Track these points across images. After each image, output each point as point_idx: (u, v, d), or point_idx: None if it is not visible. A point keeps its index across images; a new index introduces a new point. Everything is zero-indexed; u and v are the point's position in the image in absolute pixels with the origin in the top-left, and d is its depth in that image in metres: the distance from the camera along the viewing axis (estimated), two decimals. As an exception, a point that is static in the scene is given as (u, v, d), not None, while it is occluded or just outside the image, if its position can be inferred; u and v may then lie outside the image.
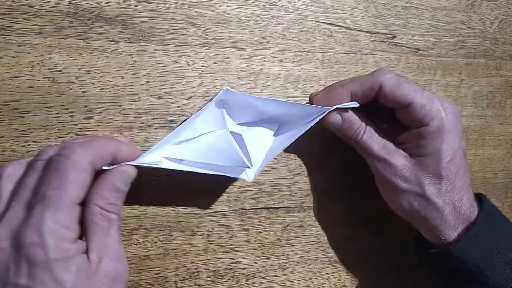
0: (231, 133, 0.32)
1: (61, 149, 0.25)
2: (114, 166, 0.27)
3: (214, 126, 0.32)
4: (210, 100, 0.32)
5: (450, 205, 0.32)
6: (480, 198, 0.34)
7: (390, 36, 0.39)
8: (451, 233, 0.32)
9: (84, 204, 0.26)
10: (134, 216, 0.32)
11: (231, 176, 0.31)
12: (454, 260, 0.31)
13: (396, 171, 0.32)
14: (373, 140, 0.33)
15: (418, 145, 0.32)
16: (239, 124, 0.34)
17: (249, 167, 0.31)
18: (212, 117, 0.32)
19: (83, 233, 0.25)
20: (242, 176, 0.32)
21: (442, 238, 0.32)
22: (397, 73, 0.32)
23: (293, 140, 0.32)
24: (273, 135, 0.34)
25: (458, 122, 0.32)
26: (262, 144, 0.34)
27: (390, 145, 0.33)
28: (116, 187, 0.27)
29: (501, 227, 0.32)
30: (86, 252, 0.25)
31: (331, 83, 0.37)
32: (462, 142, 0.33)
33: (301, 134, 0.32)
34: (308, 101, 0.35)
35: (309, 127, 0.33)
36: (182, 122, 0.32)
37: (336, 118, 0.33)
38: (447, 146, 0.31)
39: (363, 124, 0.33)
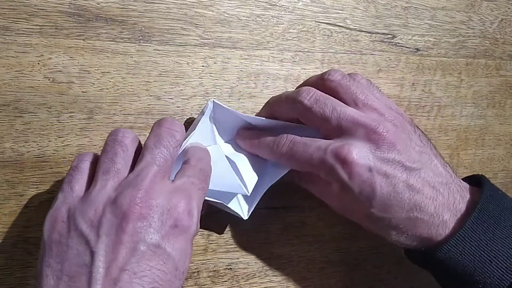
0: (226, 157, 0.32)
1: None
2: None
3: (206, 143, 0.31)
4: (201, 114, 0.31)
5: (402, 234, 0.29)
6: (480, 181, 0.30)
7: (390, 36, 0.39)
8: (439, 232, 0.28)
9: None
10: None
11: (229, 208, 0.31)
12: (439, 263, 0.28)
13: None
14: None
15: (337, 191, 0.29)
16: (227, 142, 0.33)
17: (246, 194, 0.31)
18: (204, 134, 0.31)
19: None
20: (237, 211, 0.32)
21: (429, 237, 0.29)
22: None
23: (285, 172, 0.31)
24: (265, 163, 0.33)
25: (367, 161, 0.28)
26: (256, 173, 0.32)
27: None
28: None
29: (499, 218, 0.28)
30: None
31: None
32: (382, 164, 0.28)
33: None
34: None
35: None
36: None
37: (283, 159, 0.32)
38: (358, 194, 0.28)
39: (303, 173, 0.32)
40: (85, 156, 0.27)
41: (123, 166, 0.25)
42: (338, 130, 0.28)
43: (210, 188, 0.29)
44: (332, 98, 0.29)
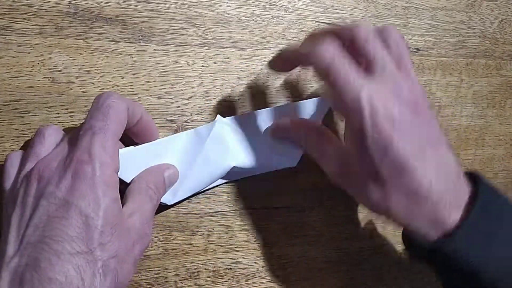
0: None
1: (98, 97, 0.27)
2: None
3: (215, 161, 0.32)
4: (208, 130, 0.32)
5: (404, 209, 0.27)
6: (475, 178, 0.29)
7: (390, 36, 0.39)
8: (444, 216, 0.27)
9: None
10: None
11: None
12: (444, 258, 0.27)
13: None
14: None
15: (351, 147, 0.28)
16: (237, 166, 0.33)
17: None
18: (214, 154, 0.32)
19: (124, 199, 0.27)
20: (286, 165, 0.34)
21: (434, 220, 0.27)
22: None
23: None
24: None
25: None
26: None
27: None
28: (162, 179, 0.29)
29: (501, 214, 0.28)
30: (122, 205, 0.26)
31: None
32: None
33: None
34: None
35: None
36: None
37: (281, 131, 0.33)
38: (373, 147, 0.26)
39: (305, 134, 0.32)
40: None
41: (40, 150, 0.27)
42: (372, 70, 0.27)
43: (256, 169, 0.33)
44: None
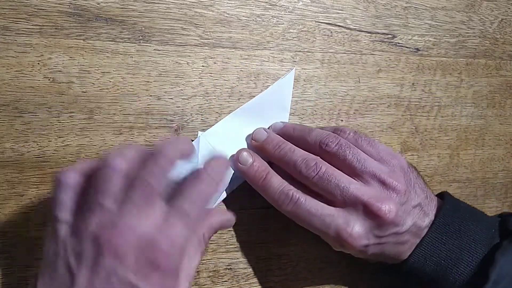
0: None
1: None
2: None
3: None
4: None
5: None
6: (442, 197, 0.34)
7: (390, 36, 0.39)
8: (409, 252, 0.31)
9: None
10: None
11: None
12: (407, 276, 0.32)
13: None
14: None
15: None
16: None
17: None
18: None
19: None
20: None
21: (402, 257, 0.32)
22: None
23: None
24: None
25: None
26: None
27: None
28: (218, 229, 0.30)
29: (460, 229, 0.31)
30: None
31: (331, 83, 0.37)
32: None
33: None
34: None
35: None
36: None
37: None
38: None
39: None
40: (67, 179, 0.25)
41: (109, 203, 0.24)
42: (342, 203, 0.30)
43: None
44: (335, 172, 0.31)
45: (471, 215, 0.32)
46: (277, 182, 0.31)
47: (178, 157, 0.26)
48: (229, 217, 0.31)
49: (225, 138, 0.34)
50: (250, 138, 0.34)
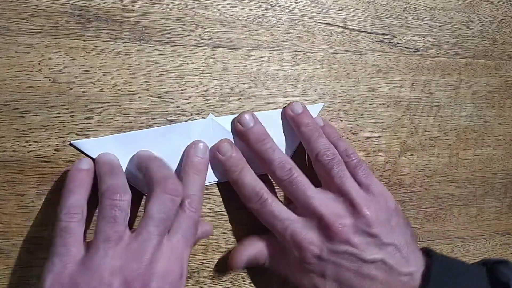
0: None
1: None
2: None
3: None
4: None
5: None
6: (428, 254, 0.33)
7: (389, 36, 0.39)
8: None
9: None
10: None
11: None
12: None
13: None
14: None
15: None
16: None
17: None
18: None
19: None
20: None
21: None
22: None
23: None
24: None
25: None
26: None
27: None
28: (195, 240, 0.32)
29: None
30: None
31: (330, 83, 0.37)
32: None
33: None
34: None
35: None
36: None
37: (244, 265, 0.34)
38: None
39: (268, 255, 0.34)
40: (72, 210, 0.26)
41: (123, 230, 0.26)
42: (302, 211, 0.32)
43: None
44: (306, 181, 0.32)
45: (463, 273, 0.32)
46: (250, 178, 0.32)
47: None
48: (206, 228, 0.33)
49: (227, 132, 0.34)
50: (236, 121, 0.34)
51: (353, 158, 0.33)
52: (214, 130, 0.33)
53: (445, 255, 0.33)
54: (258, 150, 0.33)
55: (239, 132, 0.33)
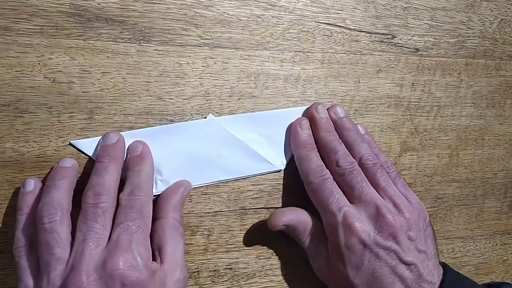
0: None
1: (130, 193, 0.29)
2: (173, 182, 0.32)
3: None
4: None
5: None
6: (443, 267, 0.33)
7: (389, 36, 0.39)
8: None
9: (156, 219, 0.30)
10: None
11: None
12: None
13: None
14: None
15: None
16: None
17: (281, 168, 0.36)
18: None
19: (156, 246, 0.29)
20: (271, 169, 0.35)
21: None
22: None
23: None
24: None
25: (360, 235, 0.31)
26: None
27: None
28: (183, 202, 0.32)
29: None
30: (161, 262, 0.28)
31: (331, 83, 0.37)
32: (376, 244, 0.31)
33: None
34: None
35: None
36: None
37: (281, 227, 0.33)
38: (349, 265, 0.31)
39: (306, 232, 0.34)
40: (50, 209, 0.27)
41: (61, 253, 0.26)
42: (358, 199, 0.32)
43: (239, 173, 0.34)
44: (363, 175, 0.33)
45: None
46: (318, 157, 0.34)
47: None
48: (183, 187, 0.32)
49: (227, 133, 0.34)
50: (313, 108, 0.35)
51: (393, 170, 0.35)
52: (214, 130, 0.33)
53: (457, 272, 0.34)
54: (326, 139, 0.34)
55: (313, 117, 0.35)
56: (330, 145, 0.34)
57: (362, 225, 0.31)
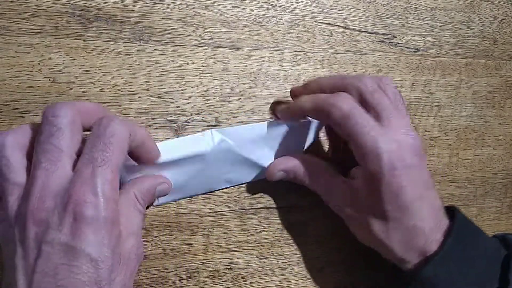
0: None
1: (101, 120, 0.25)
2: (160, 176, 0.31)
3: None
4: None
5: (401, 242, 0.30)
6: (452, 211, 0.32)
7: (389, 36, 0.39)
8: (432, 247, 0.30)
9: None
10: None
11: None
12: (426, 280, 0.29)
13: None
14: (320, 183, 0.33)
15: (361, 185, 0.31)
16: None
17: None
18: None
19: None
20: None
21: (422, 251, 0.30)
22: (356, 102, 0.30)
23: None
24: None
25: (403, 160, 0.29)
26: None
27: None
28: (154, 192, 0.30)
29: (473, 247, 0.30)
30: None
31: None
32: (411, 167, 0.29)
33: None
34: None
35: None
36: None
37: (280, 174, 0.33)
38: (386, 189, 0.29)
39: (307, 171, 0.33)
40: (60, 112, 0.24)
41: (16, 178, 0.24)
42: (386, 119, 0.30)
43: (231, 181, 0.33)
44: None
45: (481, 233, 0.32)
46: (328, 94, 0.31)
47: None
48: (161, 180, 0.30)
49: (233, 145, 0.33)
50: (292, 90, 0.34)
51: (390, 88, 0.32)
52: (219, 146, 0.32)
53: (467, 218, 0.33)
54: (327, 81, 0.32)
55: (300, 89, 0.33)
56: (336, 79, 0.32)
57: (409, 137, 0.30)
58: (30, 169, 0.24)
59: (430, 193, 0.31)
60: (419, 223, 0.29)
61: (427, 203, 0.30)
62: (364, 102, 0.30)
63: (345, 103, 0.29)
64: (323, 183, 0.33)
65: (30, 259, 0.22)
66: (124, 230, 0.26)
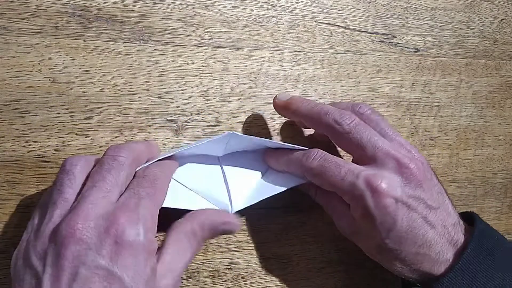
0: (221, 169, 0.32)
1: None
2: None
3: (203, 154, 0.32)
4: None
5: (404, 268, 0.30)
6: (472, 218, 0.32)
7: (389, 36, 0.39)
8: (440, 268, 0.29)
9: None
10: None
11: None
12: None
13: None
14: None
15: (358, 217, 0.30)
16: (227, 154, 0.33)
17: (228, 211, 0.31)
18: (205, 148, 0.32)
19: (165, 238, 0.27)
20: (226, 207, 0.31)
21: (430, 272, 0.30)
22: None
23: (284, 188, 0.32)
24: (261, 177, 0.34)
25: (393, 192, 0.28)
26: (246, 186, 0.33)
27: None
28: (216, 230, 0.29)
29: (492, 251, 0.30)
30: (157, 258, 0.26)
31: (331, 83, 0.37)
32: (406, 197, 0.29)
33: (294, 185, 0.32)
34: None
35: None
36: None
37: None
38: (379, 224, 0.29)
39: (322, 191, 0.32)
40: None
41: (70, 195, 0.25)
42: (371, 159, 0.29)
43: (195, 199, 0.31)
44: (370, 127, 0.30)
45: (500, 241, 0.31)
46: (300, 151, 0.32)
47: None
48: (227, 219, 0.29)
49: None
50: (274, 101, 0.33)
51: (366, 110, 0.32)
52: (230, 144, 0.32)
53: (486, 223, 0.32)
54: (308, 108, 0.31)
55: (279, 105, 0.33)
56: (315, 110, 0.31)
57: (389, 182, 0.28)
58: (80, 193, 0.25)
59: (441, 211, 0.30)
60: (422, 250, 0.29)
61: (435, 223, 0.29)
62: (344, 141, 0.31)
63: (313, 159, 0.30)
64: (331, 205, 0.33)
65: (63, 280, 0.22)
66: (165, 266, 0.26)
